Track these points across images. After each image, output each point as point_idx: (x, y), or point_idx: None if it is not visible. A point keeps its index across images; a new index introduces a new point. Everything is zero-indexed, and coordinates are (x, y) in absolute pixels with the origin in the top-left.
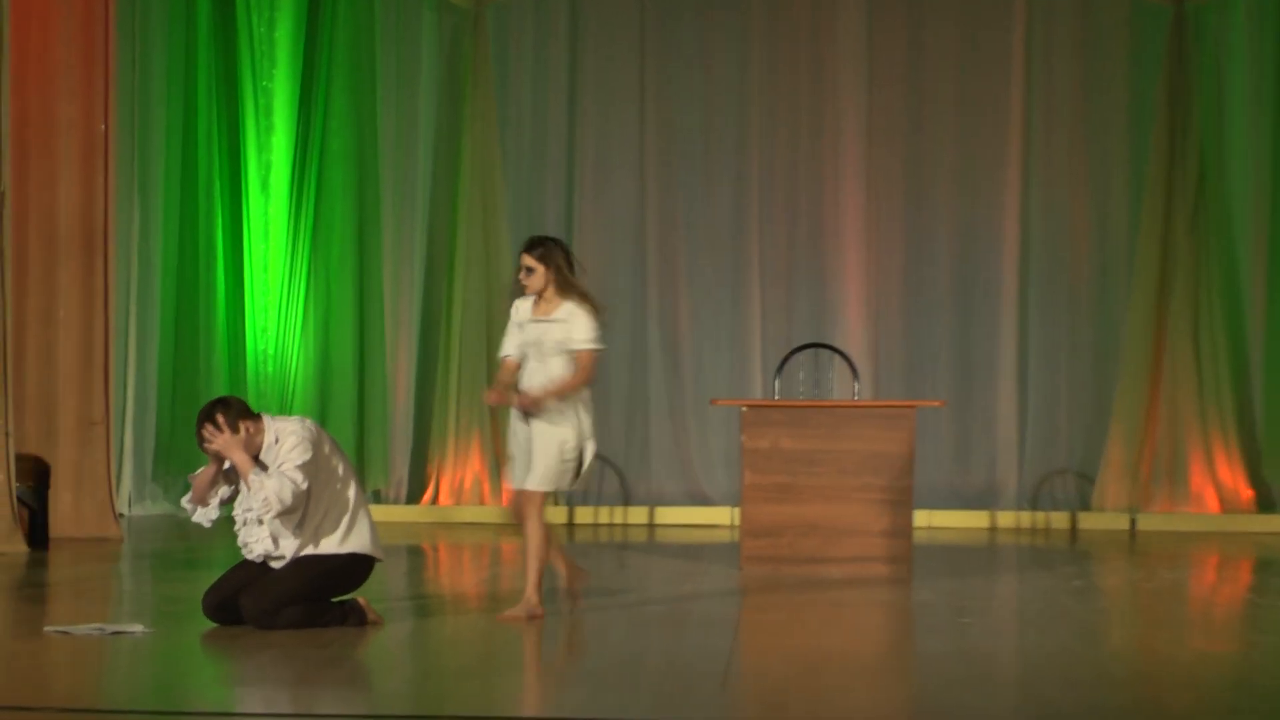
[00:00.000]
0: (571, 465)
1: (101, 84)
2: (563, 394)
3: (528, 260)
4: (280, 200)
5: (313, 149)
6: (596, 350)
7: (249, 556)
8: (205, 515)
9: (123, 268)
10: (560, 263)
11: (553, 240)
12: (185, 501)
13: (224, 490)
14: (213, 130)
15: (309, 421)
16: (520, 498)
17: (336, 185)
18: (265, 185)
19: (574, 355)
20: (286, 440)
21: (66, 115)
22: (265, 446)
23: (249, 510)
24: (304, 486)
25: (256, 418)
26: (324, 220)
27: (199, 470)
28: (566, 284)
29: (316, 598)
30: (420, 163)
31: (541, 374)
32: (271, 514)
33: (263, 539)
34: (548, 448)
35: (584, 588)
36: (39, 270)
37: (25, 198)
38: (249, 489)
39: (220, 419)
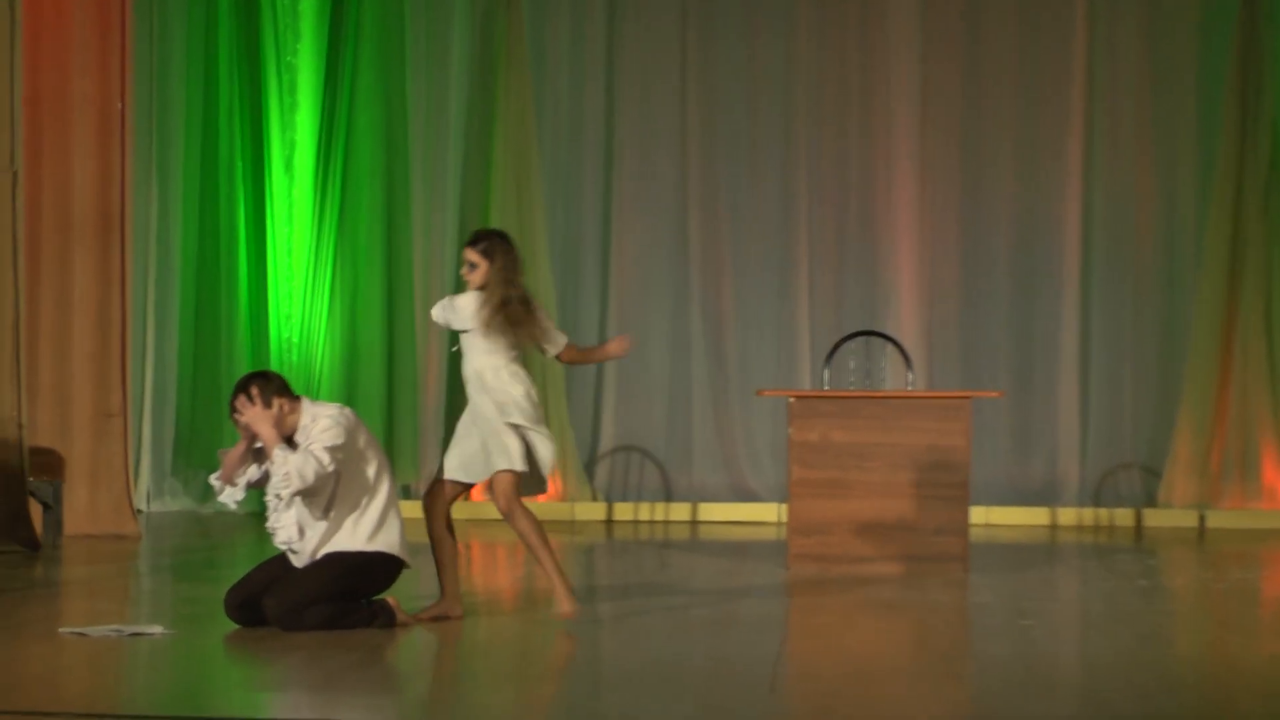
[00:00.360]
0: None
1: (118, 59)
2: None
3: (470, 254)
4: (305, 181)
5: (339, 127)
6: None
7: (275, 543)
8: (231, 495)
9: (140, 252)
10: (507, 262)
11: (503, 235)
12: (213, 479)
13: (253, 471)
14: (234, 108)
15: (349, 410)
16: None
17: (364, 166)
18: (289, 166)
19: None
20: (321, 422)
21: (81, 92)
22: (300, 428)
23: (276, 494)
24: (329, 468)
25: (295, 398)
26: (351, 202)
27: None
28: (499, 285)
29: (343, 597)
30: (452, 142)
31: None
32: (291, 489)
33: (287, 525)
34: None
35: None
36: (53, 255)
37: (38, 178)
38: (272, 464)
39: (255, 391)
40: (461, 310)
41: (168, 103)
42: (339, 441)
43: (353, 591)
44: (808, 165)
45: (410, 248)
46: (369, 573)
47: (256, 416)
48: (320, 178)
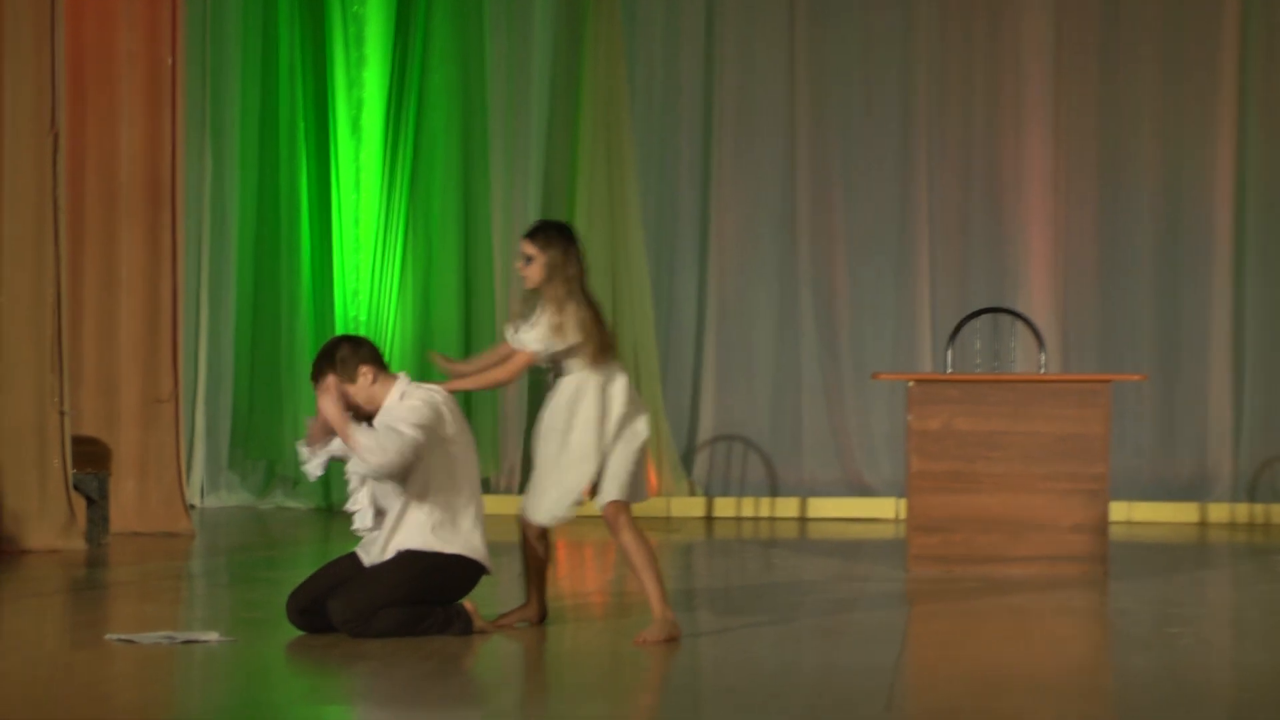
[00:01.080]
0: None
1: (168, 11)
2: (481, 385)
3: (526, 247)
4: (373, 144)
5: (410, 85)
6: (532, 352)
7: (351, 528)
8: (312, 466)
9: (193, 223)
10: (559, 257)
11: (563, 228)
12: (300, 445)
13: (335, 444)
14: (295, 63)
15: (445, 392)
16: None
17: (438, 127)
18: (356, 127)
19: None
20: (410, 400)
21: (128, 48)
22: (384, 407)
23: (352, 472)
24: (408, 450)
25: (386, 372)
26: (424, 167)
27: None
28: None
29: (416, 602)
30: (535, 102)
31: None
32: (363, 470)
33: (364, 510)
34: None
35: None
36: (98, 227)
37: (82, 143)
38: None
39: (339, 355)
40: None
41: (222, 58)
42: (424, 421)
43: (427, 596)
44: (928, 128)
45: (489, 217)
46: (446, 576)
47: (324, 389)
48: (390, 140)
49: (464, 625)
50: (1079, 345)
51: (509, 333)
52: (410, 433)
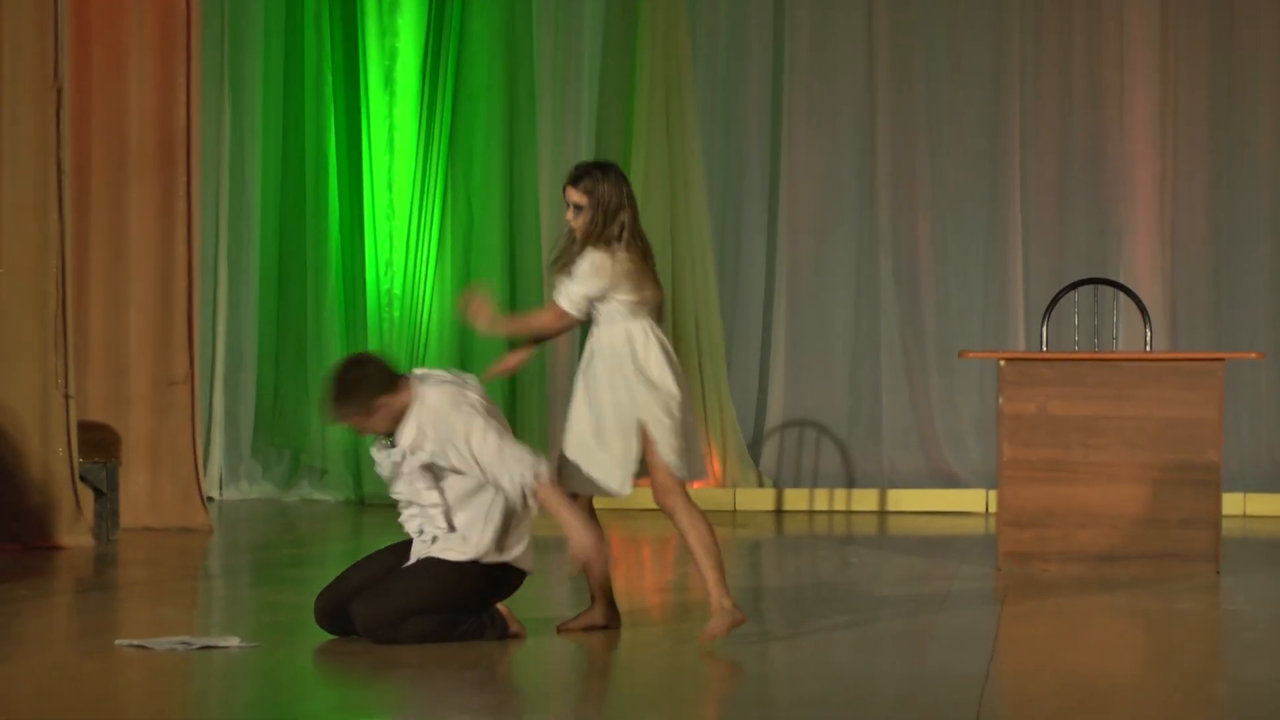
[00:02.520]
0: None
1: None
2: (508, 331)
3: (573, 195)
4: (409, 99)
5: (449, 32)
6: (562, 310)
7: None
8: (381, 464)
9: (210, 187)
10: (613, 204)
11: (607, 169)
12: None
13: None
14: (322, 10)
15: (469, 378)
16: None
17: (480, 79)
18: (389, 80)
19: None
20: (459, 406)
21: None
22: (411, 416)
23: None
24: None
25: (395, 383)
26: (463, 124)
27: None
28: (606, 235)
29: (447, 608)
30: (587, 50)
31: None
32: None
33: (412, 516)
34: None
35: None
36: (105, 190)
37: (87, 97)
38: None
39: (351, 408)
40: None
41: (242, 5)
42: (489, 416)
43: (463, 602)
44: (1022, 76)
45: (535, 179)
46: (482, 583)
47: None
48: (427, 95)
49: (499, 630)
50: (1189, 320)
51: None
52: (503, 439)
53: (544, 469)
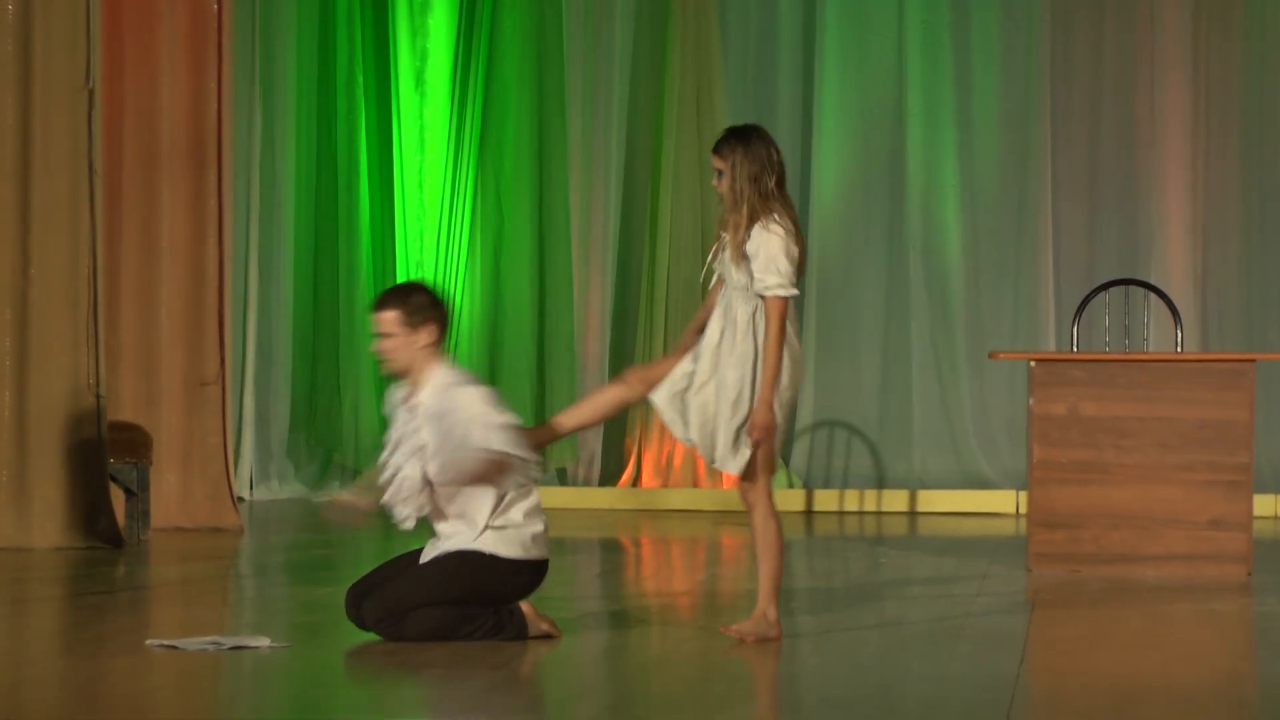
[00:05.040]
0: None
1: None
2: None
3: (715, 161)
4: (439, 98)
5: (480, 31)
6: (785, 297)
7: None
8: (397, 415)
9: (241, 186)
10: (755, 167)
11: (748, 132)
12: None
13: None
14: (354, 10)
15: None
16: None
17: (510, 78)
18: (420, 79)
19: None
20: (472, 384)
21: None
22: (445, 389)
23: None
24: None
25: (440, 332)
26: (494, 124)
27: None
28: (760, 198)
29: (460, 603)
30: (617, 48)
31: (722, 321)
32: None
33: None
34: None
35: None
36: (136, 190)
37: (119, 97)
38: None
39: (413, 300)
40: (768, 262)
41: (273, 5)
42: (498, 403)
43: (472, 596)
44: (1053, 70)
45: (566, 176)
46: (494, 576)
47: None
48: (458, 94)
49: (518, 628)
50: (1219, 320)
51: (729, 276)
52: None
53: (517, 455)
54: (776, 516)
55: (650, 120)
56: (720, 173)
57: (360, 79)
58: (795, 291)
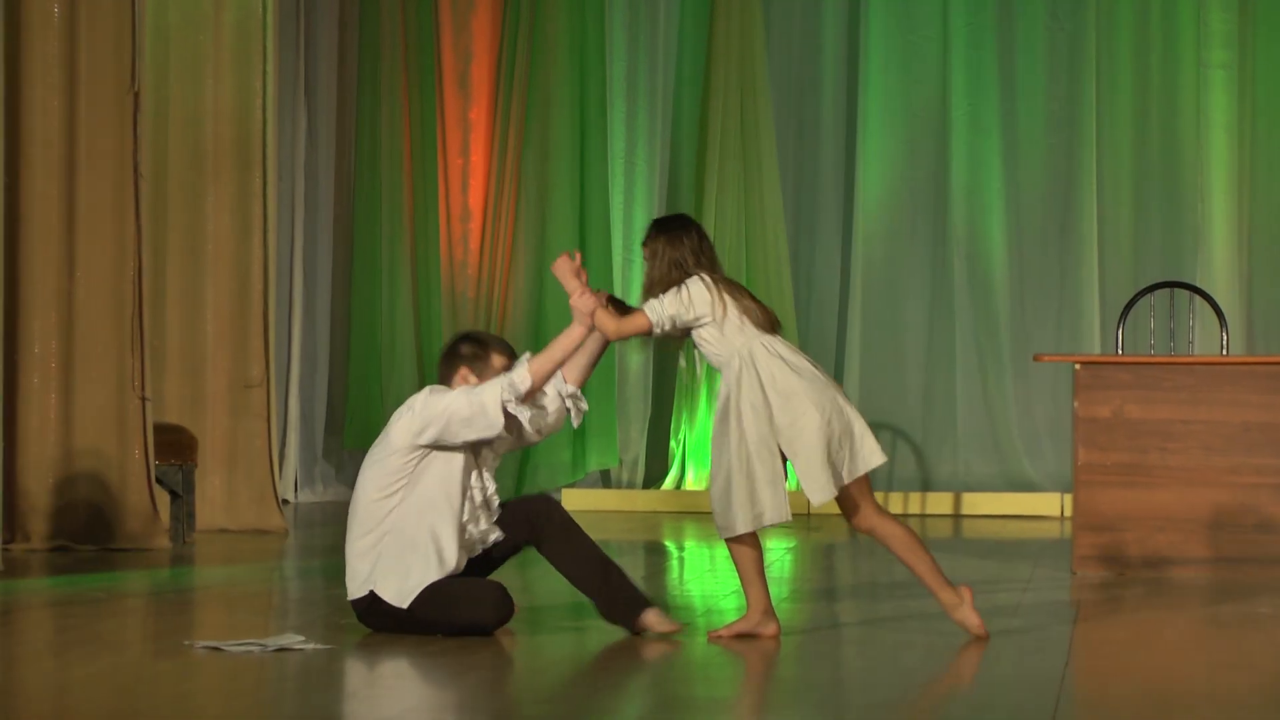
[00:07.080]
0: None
1: None
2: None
3: (644, 251)
4: (482, 101)
5: (523, 34)
6: (648, 319)
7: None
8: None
9: (286, 188)
10: (676, 254)
11: (670, 223)
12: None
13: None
14: (395, 11)
15: None
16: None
17: (553, 80)
18: (464, 82)
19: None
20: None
21: None
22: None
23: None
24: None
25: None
26: (536, 125)
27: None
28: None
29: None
30: (661, 50)
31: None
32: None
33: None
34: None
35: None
36: (181, 193)
37: (164, 100)
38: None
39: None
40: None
41: (316, 6)
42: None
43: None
44: (1100, 69)
45: (608, 181)
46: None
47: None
48: (504, 96)
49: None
50: (1266, 323)
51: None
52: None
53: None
54: (892, 519)
55: (693, 124)
56: (646, 260)
57: (403, 80)
58: (658, 326)
